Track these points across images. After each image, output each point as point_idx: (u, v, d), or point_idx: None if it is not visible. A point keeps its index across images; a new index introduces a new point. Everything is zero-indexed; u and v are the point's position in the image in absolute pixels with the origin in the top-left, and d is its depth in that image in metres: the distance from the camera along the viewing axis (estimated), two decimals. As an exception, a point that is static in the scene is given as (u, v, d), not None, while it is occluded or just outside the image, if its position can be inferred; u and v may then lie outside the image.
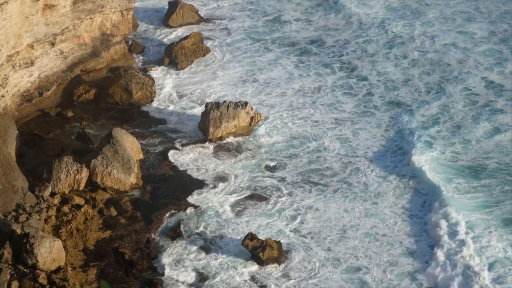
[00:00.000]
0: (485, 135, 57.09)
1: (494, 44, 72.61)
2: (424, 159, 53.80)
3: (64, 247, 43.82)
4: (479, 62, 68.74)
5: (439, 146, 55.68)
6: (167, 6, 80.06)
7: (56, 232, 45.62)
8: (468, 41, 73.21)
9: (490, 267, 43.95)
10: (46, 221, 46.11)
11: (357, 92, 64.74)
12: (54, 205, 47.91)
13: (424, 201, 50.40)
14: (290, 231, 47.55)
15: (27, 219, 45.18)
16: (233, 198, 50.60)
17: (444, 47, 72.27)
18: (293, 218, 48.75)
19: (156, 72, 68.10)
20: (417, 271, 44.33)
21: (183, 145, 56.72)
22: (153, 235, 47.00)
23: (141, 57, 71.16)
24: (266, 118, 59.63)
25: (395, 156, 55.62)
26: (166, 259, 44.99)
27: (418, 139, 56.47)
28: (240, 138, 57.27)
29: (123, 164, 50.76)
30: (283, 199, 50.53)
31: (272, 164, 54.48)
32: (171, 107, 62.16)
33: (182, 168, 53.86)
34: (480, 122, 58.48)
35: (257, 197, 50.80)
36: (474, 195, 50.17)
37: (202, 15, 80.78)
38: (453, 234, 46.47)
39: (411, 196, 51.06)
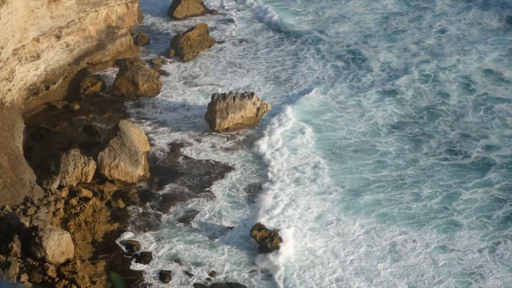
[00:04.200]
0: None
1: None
2: None
3: (73, 239, 43.88)
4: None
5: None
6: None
7: (64, 225, 45.69)
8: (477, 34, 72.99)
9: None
10: (54, 214, 46.18)
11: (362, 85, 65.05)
12: (62, 198, 47.97)
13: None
14: (297, 221, 47.54)
15: (35, 212, 45.25)
16: (239, 189, 50.57)
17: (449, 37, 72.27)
18: (300, 208, 48.77)
19: (163, 64, 68.05)
20: None
21: (189, 136, 56.68)
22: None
23: (147, 49, 71.11)
24: (273, 109, 59.65)
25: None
26: (174, 250, 45.06)
27: None
28: (247, 130, 57.22)
29: (130, 156, 50.78)
30: (290, 190, 50.46)
31: (278, 155, 54.44)
32: (178, 99, 62.08)
33: (189, 160, 53.86)
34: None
35: (264, 188, 50.71)
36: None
37: (207, 7, 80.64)
38: None
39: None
